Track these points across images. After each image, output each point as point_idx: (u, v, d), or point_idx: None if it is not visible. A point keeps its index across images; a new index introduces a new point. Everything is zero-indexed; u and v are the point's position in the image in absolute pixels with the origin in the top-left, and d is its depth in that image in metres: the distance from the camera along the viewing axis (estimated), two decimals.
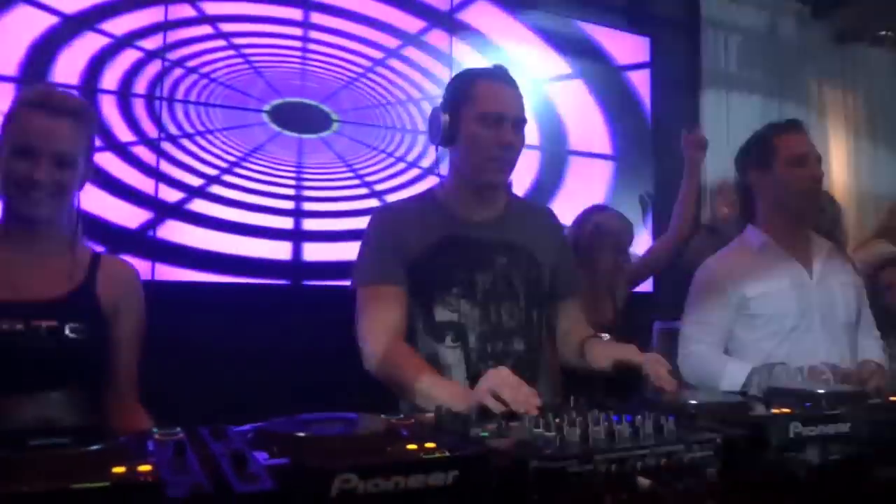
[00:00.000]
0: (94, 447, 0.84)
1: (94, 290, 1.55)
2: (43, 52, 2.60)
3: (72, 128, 1.49)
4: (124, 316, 1.58)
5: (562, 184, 3.43)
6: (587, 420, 1.10)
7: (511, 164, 1.71)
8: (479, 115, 1.65)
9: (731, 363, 1.95)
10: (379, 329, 1.62)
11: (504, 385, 1.30)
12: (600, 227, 2.55)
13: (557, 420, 1.11)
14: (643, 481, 0.93)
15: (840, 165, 4.74)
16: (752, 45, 4.28)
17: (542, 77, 3.46)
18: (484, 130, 1.65)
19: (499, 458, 0.92)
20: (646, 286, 3.48)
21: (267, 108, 2.89)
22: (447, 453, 0.85)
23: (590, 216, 2.60)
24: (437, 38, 3.23)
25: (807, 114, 4.53)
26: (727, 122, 4.07)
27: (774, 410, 1.21)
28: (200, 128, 2.79)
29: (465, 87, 1.69)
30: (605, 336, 1.78)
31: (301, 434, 0.93)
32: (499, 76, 1.70)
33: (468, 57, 3.24)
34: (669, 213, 2.89)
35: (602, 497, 0.92)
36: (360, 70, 3.03)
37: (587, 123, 3.58)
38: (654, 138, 3.73)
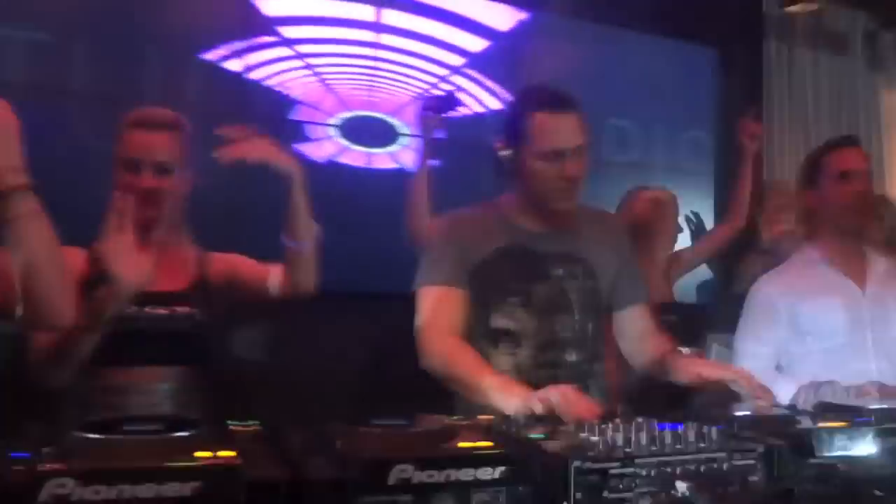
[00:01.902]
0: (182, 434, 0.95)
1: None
2: None
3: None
4: None
5: None
6: (633, 426, 1.15)
7: (578, 190, 1.75)
8: (538, 152, 1.68)
9: (780, 380, 1.96)
10: (438, 328, 1.70)
11: (560, 393, 1.36)
12: (653, 201, 2.70)
13: (604, 426, 1.17)
14: (682, 485, 0.98)
15: None
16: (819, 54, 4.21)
17: None
18: (545, 166, 1.68)
19: (546, 457, 0.98)
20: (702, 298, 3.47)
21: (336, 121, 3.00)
22: (497, 451, 0.93)
23: (637, 194, 2.74)
24: None
25: (881, 125, 4.43)
26: (795, 139, 4.01)
27: (821, 424, 1.23)
28: None
29: (520, 121, 1.70)
30: (686, 350, 1.81)
31: (364, 430, 1.03)
32: (553, 104, 1.70)
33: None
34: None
35: (641, 499, 0.97)
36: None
37: None
38: (719, 154, 3.69)
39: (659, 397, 1.98)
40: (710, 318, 3.05)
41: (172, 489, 0.77)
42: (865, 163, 2.09)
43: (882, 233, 3.21)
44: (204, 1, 2.79)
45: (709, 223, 3.51)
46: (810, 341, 2.02)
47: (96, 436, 0.91)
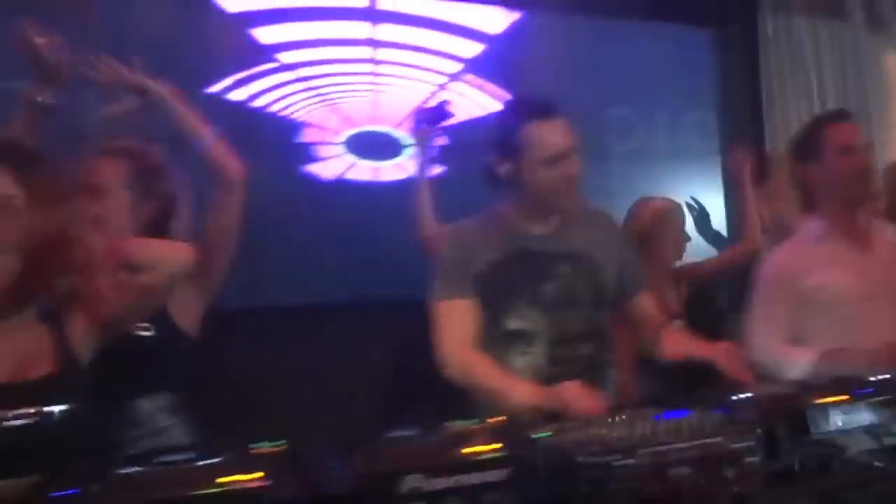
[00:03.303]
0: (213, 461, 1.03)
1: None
2: None
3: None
4: None
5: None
6: (637, 417, 1.21)
7: (578, 188, 1.83)
8: (539, 159, 1.76)
9: (796, 352, 1.99)
10: (454, 340, 1.78)
11: (569, 389, 1.43)
12: (655, 213, 2.71)
13: (610, 419, 1.23)
14: (681, 471, 1.04)
15: None
16: (818, 25, 4.20)
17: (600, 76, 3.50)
18: (547, 171, 1.77)
19: (550, 455, 1.05)
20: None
21: (341, 138, 3.08)
22: (502, 453, 0.99)
23: (643, 205, 2.76)
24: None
25: (884, 89, 4.41)
26: (796, 103, 4.01)
27: (818, 399, 1.27)
28: None
29: (516, 133, 1.78)
30: (678, 323, 1.86)
31: (382, 442, 1.10)
32: (548, 112, 1.78)
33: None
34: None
35: (645, 487, 1.03)
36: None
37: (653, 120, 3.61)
38: (723, 132, 3.71)
39: (675, 382, 2.04)
40: (727, 295, 3.08)
41: None
42: (863, 136, 2.12)
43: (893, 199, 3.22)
44: (205, 35, 2.88)
45: (717, 206, 3.54)
46: (822, 313, 2.03)
47: (135, 470, 0.99)
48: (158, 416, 1.72)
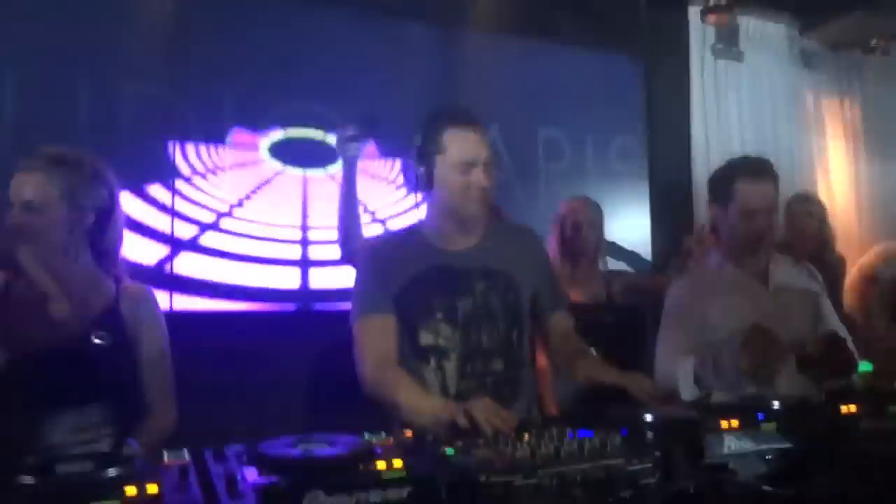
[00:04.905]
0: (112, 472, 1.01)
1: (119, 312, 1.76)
2: None
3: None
4: (147, 333, 1.79)
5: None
6: (544, 436, 1.24)
7: (488, 198, 1.87)
8: (452, 164, 1.81)
9: (680, 360, 2.04)
10: (371, 356, 1.79)
11: (479, 407, 1.45)
12: (560, 212, 2.88)
13: (519, 437, 1.26)
14: (579, 492, 1.07)
15: (840, 171, 4.84)
16: (743, 63, 4.40)
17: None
18: (459, 177, 1.81)
19: (452, 474, 1.07)
20: None
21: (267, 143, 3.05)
22: (404, 472, 1.00)
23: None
24: None
25: (804, 124, 4.65)
26: (721, 139, 4.18)
27: (714, 425, 1.33)
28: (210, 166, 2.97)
29: (435, 136, 1.83)
30: (592, 350, 1.90)
31: (282, 455, 1.09)
32: (466, 121, 1.84)
33: None
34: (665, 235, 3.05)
35: None
36: None
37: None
38: (650, 158, 3.85)
39: (593, 401, 2.08)
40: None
41: None
42: (772, 196, 2.17)
43: (813, 226, 3.40)
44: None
45: (643, 226, 3.67)
46: (722, 338, 2.11)
47: (31, 479, 0.97)
48: (88, 428, 1.66)
